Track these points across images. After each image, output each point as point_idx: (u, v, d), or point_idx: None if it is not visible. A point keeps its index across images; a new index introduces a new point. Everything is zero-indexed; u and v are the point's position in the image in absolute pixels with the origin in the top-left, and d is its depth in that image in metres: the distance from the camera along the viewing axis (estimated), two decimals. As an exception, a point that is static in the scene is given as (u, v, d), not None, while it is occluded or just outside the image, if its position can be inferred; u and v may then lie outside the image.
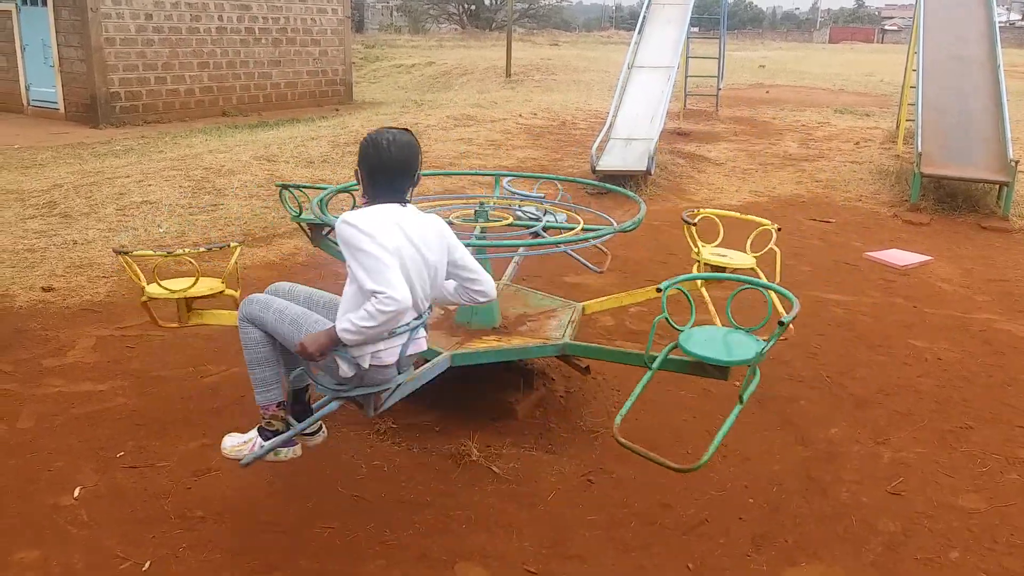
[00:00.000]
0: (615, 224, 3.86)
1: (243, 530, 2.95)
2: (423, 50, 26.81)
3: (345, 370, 2.67)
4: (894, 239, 7.17)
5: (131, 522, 2.97)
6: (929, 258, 6.56)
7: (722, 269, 3.92)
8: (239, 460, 2.84)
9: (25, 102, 14.35)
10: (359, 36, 31.75)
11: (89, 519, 2.98)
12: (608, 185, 5.09)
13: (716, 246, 4.13)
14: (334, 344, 2.58)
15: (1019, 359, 4.65)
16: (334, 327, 2.58)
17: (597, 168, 8.59)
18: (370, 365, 2.67)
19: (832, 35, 51.18)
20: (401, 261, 2.58)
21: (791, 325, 3.56)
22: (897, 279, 6.08)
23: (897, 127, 10.88)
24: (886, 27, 51.00)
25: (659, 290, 3.08)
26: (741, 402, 2.74)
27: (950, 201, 8.16)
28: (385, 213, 2.64)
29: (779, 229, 4.03)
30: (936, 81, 8.94)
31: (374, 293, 2.48)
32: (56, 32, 13.36)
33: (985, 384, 4.31)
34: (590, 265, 4.65)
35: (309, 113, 14.95)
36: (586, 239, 3.77)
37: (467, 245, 3.41)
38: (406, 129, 2.76)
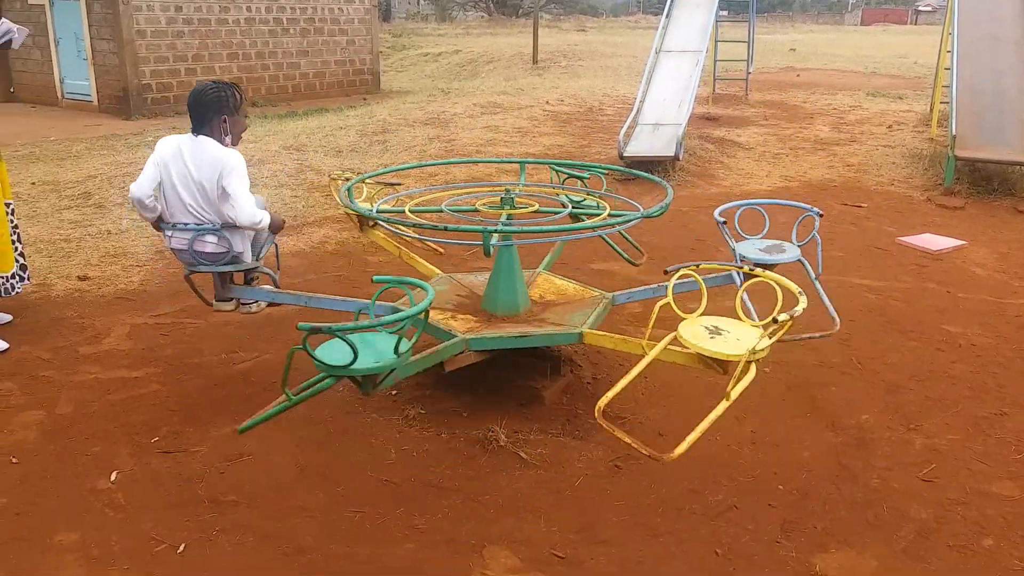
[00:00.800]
0: (641, 210, 3.84)
1: (274, 514, 3.00)
2: (450, 38, 26.78)
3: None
4: (927, 223, 7.06)
5: (166, 506, 3.03)
6: (963, 243, 6.45)
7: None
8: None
9: (60, 95, 14.58)
10: (386, 25, 31.81)
11: (126, 502, 3.05)
12: (635, 171, 5.06)
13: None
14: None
15: (1056, 345, 4.57)
16: None
17: (625, 154, 8.54)
18: (170, 248, 3.77)
19: (864, 17, 50.30)
20: (165, 171, 3.63)
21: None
22: (930, 264, 5.99)
23: (931, 110, 10.68)
24: (920, 8, 50.00)
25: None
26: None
27: (985, 184, 8.01)
28: (178, 138, 3.69)
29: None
30: (971, 62, 8.75)
31: None
32: (88, 25, 13.55)
33: (1020, 370, 4.24)
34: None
35: (337, 102, 15.02)
36: (612, 225, 3.76)
37: (494, 232, 3.44)
38: (217, 81, 3.77)
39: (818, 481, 3.25)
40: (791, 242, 3.94)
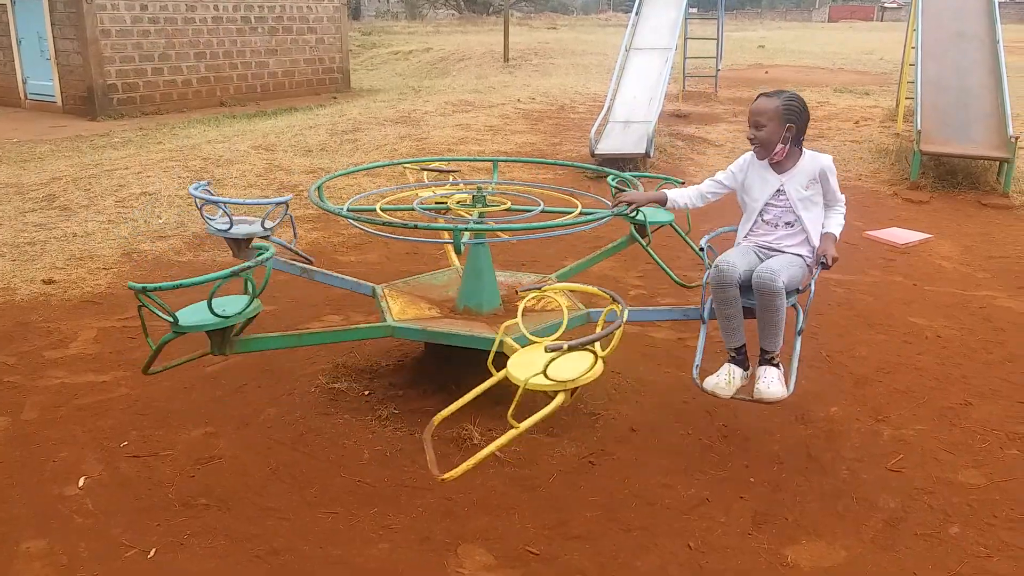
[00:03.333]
0: (612, 208, 3.85)
1: (246, 516, 2.97)
2: (420, 36, 26.70)
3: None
4: (894, 218, 7.16)
5: (136, 511, 3.00)
6: (929, 236, 6.56)
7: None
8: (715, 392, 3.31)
9: (23, 95, 14.33)
10: (356, 24, 31.63)
11: (94, 508, 3.01)
12: (606, 169, 5.08)
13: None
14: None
15: (1019, 335, 4.66)
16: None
17: (596, 152, 8.58)
18: None
19: (831, 14, 50.87)
20: None
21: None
22: (897, 257, 6.08)
23: (897, 105, 10.85)
24: (886, 5, 50.64)
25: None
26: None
27: (950, 179, 8.15)
28: None
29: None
30: (935, 58, 8.90)
31: None
32: (51, 24, 13.33)
33: (985, 361, 4.32)
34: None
35: (307, 102, 14.91)
36: (583, 223, 3.77)
37: (466, 229, 3.43)
38: None
39: (789, 473, 3.28)
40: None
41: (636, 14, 11.00)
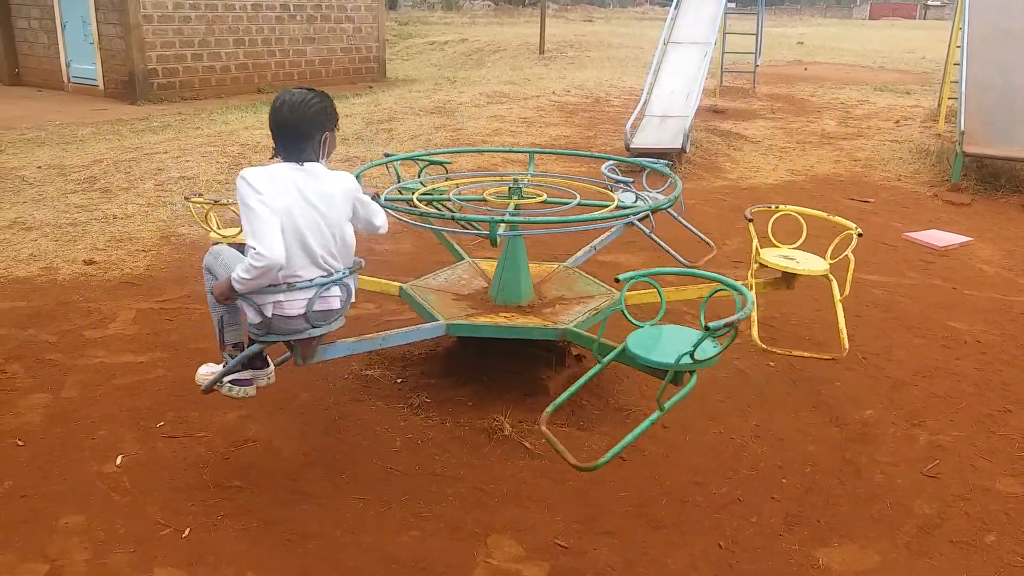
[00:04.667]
0: (650, 202, 3.83)
1: (279, 500, 3.01)
2: (456, 27, 26.69)
3: (251, 316, 2.87)
4: (934, 219, 7.04)
5: (171, 490, 3.05)
6: (970, 239, 6.44)
7: (791, 274, 3.82)
8: (200, 385, 3.13)
9: (66, 79, 14.55)
10: (392, 13, 31.69)
11: (131, 486, 3.06)
12: (644, 161, 5.04)
13: (795, 247, 3.99)
14: (232, 291, 2.78)
15: (1062, 343, 4.56)
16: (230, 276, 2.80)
17: (631, 146, 8.53)
18: (273, 314, 2.85)
19: (872, 11, 50.00)
20: (290, 220, 2.74)
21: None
22: (936, 260, 5.98)
23: (939, 105, 10.64)
24: (929, 3, 49.69)
25: (617, 280, 2.96)
26: (661, 409, 2.67)
27: (993, 181, 7.98)
28: (283, 172, 2.78)
29: (860, 234, 3.85)
30: (980, 57, 8.71)
31: (251, 248, 2.67)
32: (95, 9, 13.50)
33: (1026, 367, 4.24)
34: (680, 258, 4.50)
35: (343, 90, 14.98)
36: (621, 217, 3.75)
37: (499, 221, 3.44)
38: (311, 89, 2.91)
39: (822, 475, 3.25)
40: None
41: (675, 8, 10.91)
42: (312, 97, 2.85)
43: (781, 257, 3.90)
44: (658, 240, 4.48)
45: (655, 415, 2.69)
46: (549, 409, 2.86)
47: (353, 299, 3.10)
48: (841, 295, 3.85)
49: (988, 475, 3.28)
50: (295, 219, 2.74)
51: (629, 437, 2.66)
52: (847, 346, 3.81)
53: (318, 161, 2.88)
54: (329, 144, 2.93)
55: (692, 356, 2.61)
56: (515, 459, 3.29)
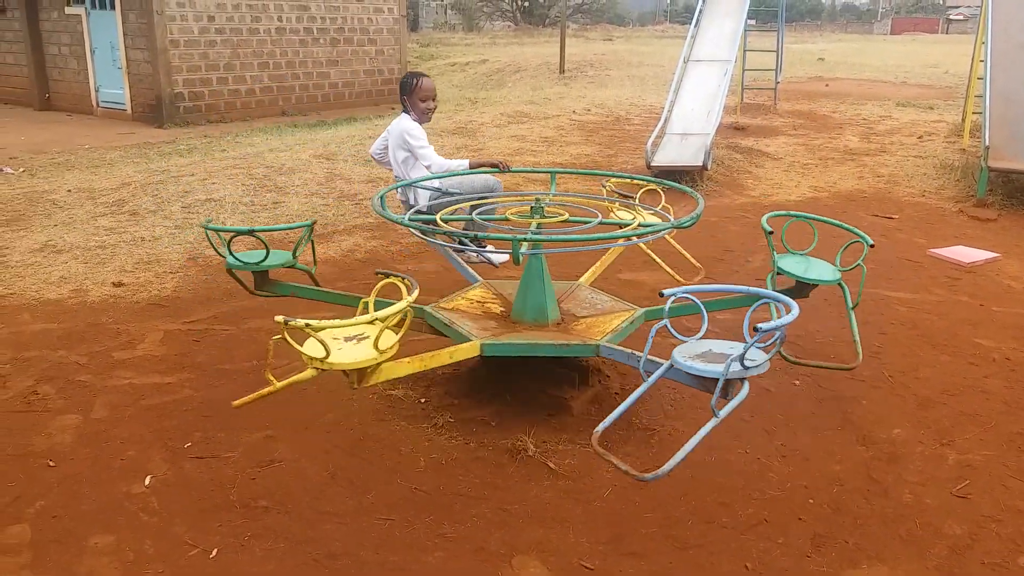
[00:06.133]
0: (672, 220, 3.84)
1: (305, 520, 3.03)
2: (477, 48, 26.92)
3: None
4: (960, 235, 6.97)
5: (199, 511, 3.07)
6: (997, 255, 6.37)
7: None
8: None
9: (95, 103, 14.85)
10: (414, 35, 32.03)
11: (159, 507, 3.09)
12: (666, 181, 5.06)
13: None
14: None
15: (1093, 360, 4.49)
16: None
17: (652, 163, 8.54)
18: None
19: (894, 26, 49.85)
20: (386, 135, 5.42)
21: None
22: (963, 276, 5.92)
23: (963, 120, 10.56)
24: (951, 17, 49.44)
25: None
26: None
27: (1019, 196, 7.90)
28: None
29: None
30: (1005, 71, 8.64)
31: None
32: (124, 35, 13.80)
33: (1057, 385, 4.18)
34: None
35: (366, 112, 15.16)
36: (643, 234, 3.76)
37: (523, 240, 3.46)
38: (411, 71, 5.48)
39: (849, 495, 3.22)
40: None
41: (695, 26, 10.94)
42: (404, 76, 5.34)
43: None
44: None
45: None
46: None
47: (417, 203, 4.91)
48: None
49: (1020, 495, 3.23)
50: (387, 138, 5.50)
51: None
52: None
53: (408, 114, 5.29)
54: (411, 105, 5.25)
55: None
56: (539, 479, 3.29)
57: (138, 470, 3.33)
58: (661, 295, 2.98)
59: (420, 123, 5.24)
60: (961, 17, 48.54)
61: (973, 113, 10.08)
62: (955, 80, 16.93)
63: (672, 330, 2.93)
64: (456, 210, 4.67)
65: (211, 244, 4.00)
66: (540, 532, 2.97)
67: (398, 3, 17.01)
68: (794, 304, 2.79)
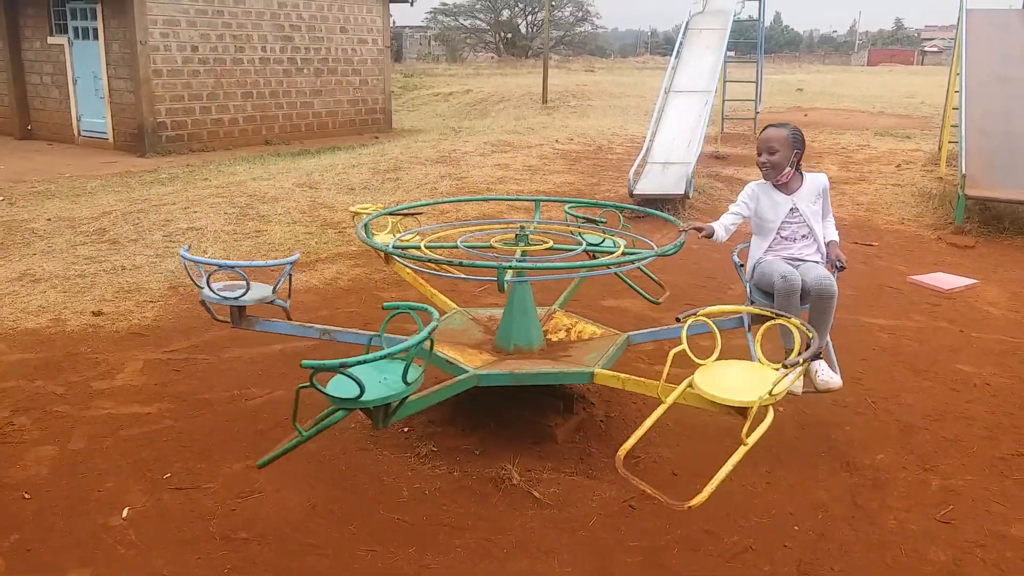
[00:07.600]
0: (655, 248, 3.86)
1: (286, 552, 2.98)
2: (460, 78, 27.13)
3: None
4: (939, 262, 7.05)
5: (178, 543, 3.02)
6: (975, 281, 6.44)
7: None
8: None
9: (76, 132, 14.79)
10: (398, 65, 32.26)
11: (137, 539, 3.04)
12: (648, 210, 5.09)
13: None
14: None
15: (1072, 385, 4.53)
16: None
17: (634, 192, 8.60)
18: None
19: (871, 57, 50.77)
20: None
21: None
22: (942, 303, 5.97)
23: (940, 149, 10.74)
24: (926, 48, 50.43)
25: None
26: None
27: (996, 223, 8.02)
28: None
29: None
30: (980, 102, 8.82)
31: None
32: (107, 64, 13.79)
33: (1037, 410, 4.21)
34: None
35: (349, 141, 15.19)
36: (626, 262, 3.77)
37: (508, 267, 3.46)
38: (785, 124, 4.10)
39: (834, 522, 3.21)
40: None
41: (676, 57, 11.09)
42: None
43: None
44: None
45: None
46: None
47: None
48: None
49: (1003, 520, 3.24)
50: None
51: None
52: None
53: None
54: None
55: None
56: (523, 509, 3.26)
57: (116, 502, 3.27)
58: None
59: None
60: (936, 49, 49.54)
61: (949, 142, 10.25)
62: (931, 110, 17.22)
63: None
64: (438, 238, 4.66)
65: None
66: (525, 563, 2.94)
67: (382, 34, 17.14)
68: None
